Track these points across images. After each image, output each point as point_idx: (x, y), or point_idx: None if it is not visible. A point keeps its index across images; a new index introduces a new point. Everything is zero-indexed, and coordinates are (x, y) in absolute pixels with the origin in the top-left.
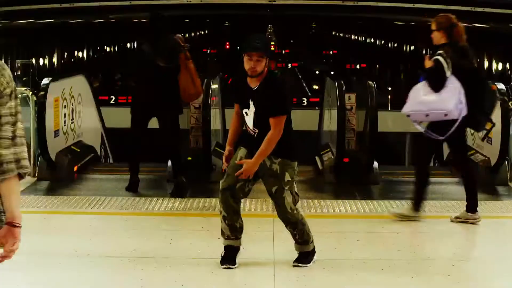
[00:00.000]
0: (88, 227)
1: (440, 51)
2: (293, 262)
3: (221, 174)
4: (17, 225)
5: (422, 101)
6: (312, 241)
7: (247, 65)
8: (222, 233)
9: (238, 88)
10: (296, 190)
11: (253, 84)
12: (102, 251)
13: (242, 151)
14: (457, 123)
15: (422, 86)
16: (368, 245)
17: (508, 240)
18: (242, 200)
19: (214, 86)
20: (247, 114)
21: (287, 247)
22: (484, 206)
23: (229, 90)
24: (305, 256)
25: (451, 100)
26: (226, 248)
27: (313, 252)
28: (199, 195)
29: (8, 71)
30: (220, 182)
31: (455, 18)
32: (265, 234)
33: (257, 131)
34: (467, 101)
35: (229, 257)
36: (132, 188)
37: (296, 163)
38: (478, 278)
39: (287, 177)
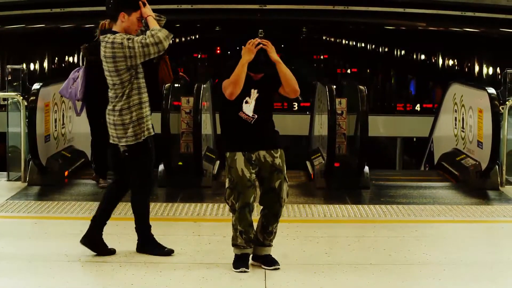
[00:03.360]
0: (79, 232)
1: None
2: (270, 267)
3: (212, 179)
4: None
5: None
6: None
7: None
8: (237, 246)
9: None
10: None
11: (257, 77)
12: (93, 256)
13: (239, 161)
14: None
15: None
16: (359, 250)
17: (499, 245)
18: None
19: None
20: (247, 102)
21: (278, 251)
22: (475, 210)
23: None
24: (271, 258)
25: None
26: (240, 255)
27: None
28: (190, 200)
29: None
30: (235, 202)
31: None
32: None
33: (256, 116)
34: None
35: (243, 262)
36: None
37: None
38: (469, 282)
39: (284, 171)
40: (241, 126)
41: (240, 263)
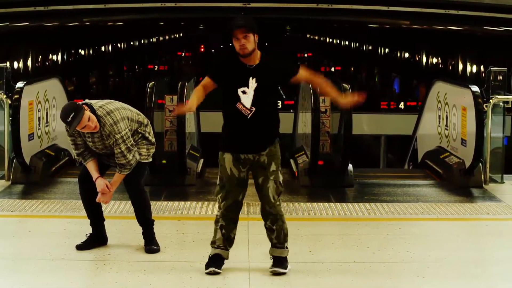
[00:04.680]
0: (63, 230)
1: None
2: (271, 268)
3: (195, 177)
4: None
5: None
6: (287, 248)
7: (236, 45)
8: (213, 242)
9: (229, 68)
10: (281, 180)
11: (251, 62)
12: (77, 255)
13: (228, 161)
14: None
15: None
16: (343, 248)
17: (482, 242)
18: (217, 204)
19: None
20: (244, 93)
21: (262, 250)
22: (459, 208)
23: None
24: (281, 261)
25: None
26: (214, 256)
27: (285, 259)
28: (174, 199)
29: None
30: (221, 200)
31: None
32: (239, 237)
33: (253, 109)
34: None
35: (217, 263)
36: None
37: (278, 142)
38: (453, 280)
39: (272, 167)
40: (235, 123)
41: (211, 263)
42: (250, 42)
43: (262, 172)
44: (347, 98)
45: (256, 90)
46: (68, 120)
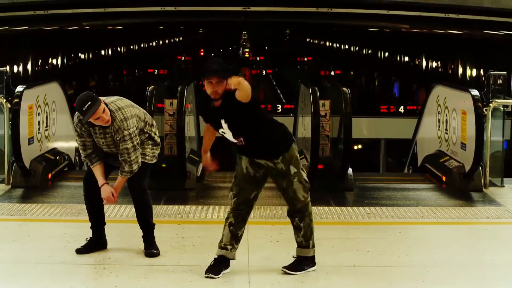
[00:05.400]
0: (63, 234)
1: None
2: (283, 268)
3: (195, 181)
4: None
5: None
6: (314, 246)
7: (208, 89)
8: (220, 241)
9: (206, 110)
10: (305, 177)
11: (217, 103)
12: (77, 259)
13: (245, 161)
14: None
15: None
16: (343, 252)
17: (482, 246)
18: (217, 208)
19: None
20: (224, 133)
21: (262, 254)
22: (459, 212)
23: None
24: (298, 263)
25: None
26: (218, 258)
27: (308, 261)
28: (174, 203)
29: None
30: (233, 197)
31: None
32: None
33: (242, 139)
34: None
35: (216, 268)
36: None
37: (294, 147)
38: (452, 284)
39: (293, 170)
40: (238, 147)
41: (211, 267)
42: (221, 87)
43: (284, 178)
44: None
45: (229, 127)
46: (84, 109)
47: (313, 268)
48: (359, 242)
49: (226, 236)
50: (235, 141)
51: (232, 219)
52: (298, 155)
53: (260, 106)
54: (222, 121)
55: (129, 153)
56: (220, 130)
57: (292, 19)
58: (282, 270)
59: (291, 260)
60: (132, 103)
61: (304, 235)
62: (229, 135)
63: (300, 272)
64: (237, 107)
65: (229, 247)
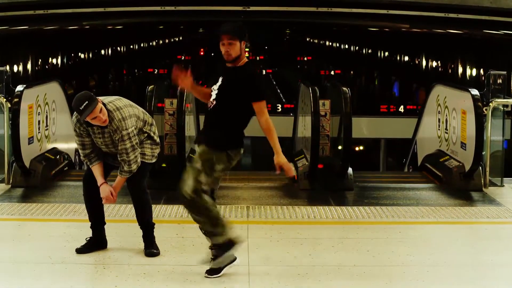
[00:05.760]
0: (63, 234)
1: None
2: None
3: None
4: None
5: None
6: (222, 234)
7: (222, 50)
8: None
9: (217, 70)
10: (203, 183)
11: (230, 64)
12: (77, 258)
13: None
14: None
15: None
16: (343, 251)
17: (482, 246)
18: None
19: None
20: (213, 90)
21: (262, 253)
22: (458, 211)
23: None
24: (216, 263)
25: None
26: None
27: (223, 251)
28: (174, 202)
29: None
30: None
31: None
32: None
33: (214, 103)
34: None
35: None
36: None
37: (225, 155)
38: (452, 283)
39: (198, 164)
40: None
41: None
42: (235, 49)
43: (190, 160)
44: (283, 163)
45: (219, 87)
46: (81, 108)
47: (235, 263)
48: (359, 242)
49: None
50: (211, 102)
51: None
52: (221, 165)
53: (249, 109)
54: (220, 79)
55: (127, 153)
56: (213, 87)
57: (292, 18)
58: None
59: (291, 259)
60: (131, 103)
61: (203, 228)
62: (213, 93)
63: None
64: (236, 81)
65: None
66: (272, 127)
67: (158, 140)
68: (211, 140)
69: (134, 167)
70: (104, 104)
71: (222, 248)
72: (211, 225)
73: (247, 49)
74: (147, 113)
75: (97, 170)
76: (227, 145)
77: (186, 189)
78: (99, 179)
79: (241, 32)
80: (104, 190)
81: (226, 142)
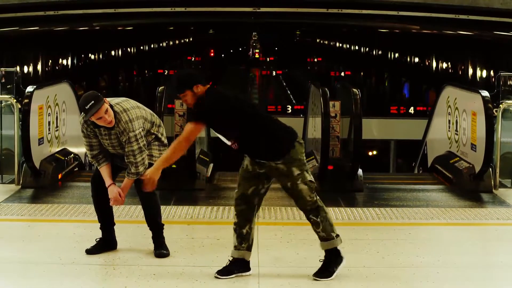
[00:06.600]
0: (73, 235)
1: None
2: (313, 275)
3: (205, 181)
4: None
5: None
6: (338, 235)
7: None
8: (234, 243)
9: None
10: (310, 178)
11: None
12: (87, 259)
13: (247, 159)
14: None
15: None
16: (352, 253)
17: (492, 247)
18: (226, 209)
19: None
20: (220, 137)
21: (272, 254)
22: (469, 213)
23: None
24: (326, 265)
25: None
26: (231, 260)
27: (335, 257)
28: (183, 203)
29: None
30: (234, 193)
31: None
32: None
33: (232, 142)
34: None
35: (225, 269)
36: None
37: (297, 149)
38: (462, 285)
39: (296, 172)
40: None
41: (223, 267)
42: (190, 98)
43: (287, 179)
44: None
45: (217, 131)
46: (87, 108)
47: (342, 265)
48: (368, 243)
49: (233, 236)
50: (230, 143)
51: (235, 218)
52: (303, 157)
53: (245, 112)
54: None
55: (135, 155)
56: (218, 136)
57: (302, 19)
58: (312, 278)
59: (301, 260)
60: (139, 104)
61: (324, 229)
62: (223, 138)
63: (331, 278)
64: (212, 118)
65: (237, 246)
66: (179, 148)
67: (166, 141)
68: (278, 152)
69: (141, 169)
70: (111, 106)
71: (334, 260)
72: (330, 225)
73: (257, 50)
74: (154, 114)
75: (105, 171)
76: (281, 150)
77: (311, 195)
78: (107, 180)
79: (185, 82)
80: (112, 191)
81: (277, 149)
